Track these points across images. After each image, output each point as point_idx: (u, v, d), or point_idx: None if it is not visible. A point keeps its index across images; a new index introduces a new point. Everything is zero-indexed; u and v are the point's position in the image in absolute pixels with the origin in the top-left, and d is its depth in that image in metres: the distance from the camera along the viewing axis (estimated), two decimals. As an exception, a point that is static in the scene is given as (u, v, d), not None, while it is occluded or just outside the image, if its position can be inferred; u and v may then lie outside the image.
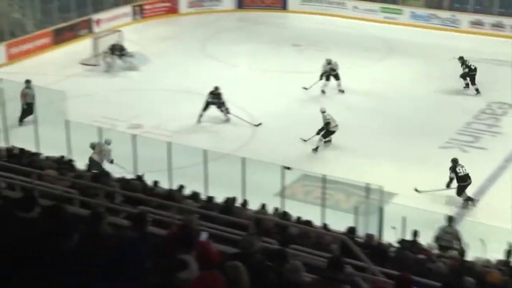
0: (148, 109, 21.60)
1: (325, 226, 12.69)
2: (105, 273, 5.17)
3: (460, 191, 16.50)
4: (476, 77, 22.99)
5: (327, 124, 19.04)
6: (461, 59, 23.32)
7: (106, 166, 16.47)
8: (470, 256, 12.65)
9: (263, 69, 25.29)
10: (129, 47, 26.19)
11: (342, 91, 23.05)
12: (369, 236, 11.96)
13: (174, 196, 12.11)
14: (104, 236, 6.33)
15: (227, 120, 20.80)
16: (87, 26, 28.93)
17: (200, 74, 24.38)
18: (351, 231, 11.99)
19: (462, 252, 13.03)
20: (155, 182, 13.84)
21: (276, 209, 13.52)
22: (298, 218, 12.53)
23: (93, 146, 16.84)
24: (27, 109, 19.69)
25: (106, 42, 25.53)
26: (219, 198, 13.03)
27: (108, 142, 16.92)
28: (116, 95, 23.03)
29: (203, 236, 8.21)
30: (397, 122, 20.90)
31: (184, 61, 25.84)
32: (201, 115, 20.78)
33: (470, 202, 16.42)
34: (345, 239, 9.82)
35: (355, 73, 24.66)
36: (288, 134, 19.90)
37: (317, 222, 13.10)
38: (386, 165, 18.03)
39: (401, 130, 20.27)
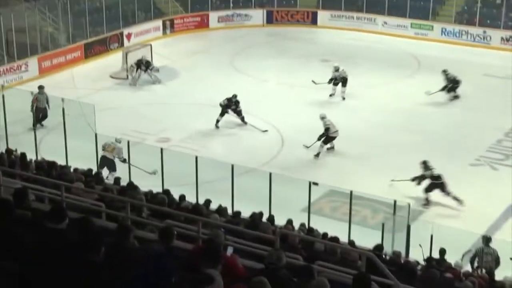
0: (176, 123, 21.73)
1: (351, 243, 12.60)
2: (131, 286, 5.21)
3: (430, 188, 16.94)
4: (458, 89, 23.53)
5: (326, 129, 19.34)
6: (444, 72, 23.55)
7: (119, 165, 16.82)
8: (499, 275, 12.47)
9: (291, 84, 25.31)
10: (158, 61, 26.47)
11: (343, 98, 23.74)
12: (396, 254, 11.85)
13: (200, 210, 12.12)
14: (130, 250, 6.37)
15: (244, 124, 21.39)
16: (118, 40, 29.25)
17: (229, 89, 24.41)
18: (378, 248, 11.88)
19: (490, 272, 12.84)
20: (182, 196, 13.87)
21: (303, 225, 13.47)
22: (324, 234, 12.46)
23: (104, 147, 17.63)
24: (40, 114, 20.59)
25: (136, 56, 25.79)
26: (246, 213, 13.02)
27: (118, 141, 17.70)
28: (145, 108, 23.21)
29: (229, 251, 8.22)
30: (427, 138, 20.74)
31: (213, 75, 25.97)
32: (218, 120, 21.27)
33: (427, 203, 16.85)
34: (371, 256, 9.73)
35: (384, 88, 24.59)
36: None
37: (344, 238, 13.03)
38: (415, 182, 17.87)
39: (431, 146, 20.10)
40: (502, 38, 29.64)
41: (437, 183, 17.00)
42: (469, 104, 23.46)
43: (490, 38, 29.82)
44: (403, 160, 19.18)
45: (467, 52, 29.25)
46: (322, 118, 19.62)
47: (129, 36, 29.74)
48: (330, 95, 23.87)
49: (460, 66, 27.34)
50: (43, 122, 20.68)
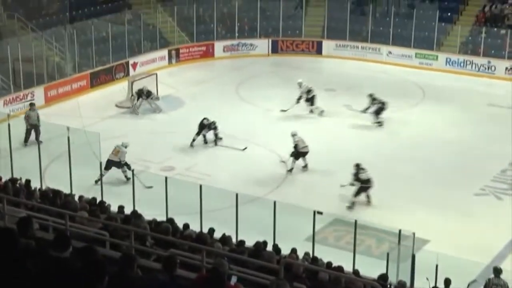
0: (181, 151, 21.79)
1: (356, 272, 12.55)
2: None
3: (359, 192, 18.27)
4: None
5: (295, 146, 20.39)
6: (371, 96, 23.97)
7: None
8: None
9: (296, 114, 25.36)
10: (164, 90, 26.64)
11: (311, 111, 25.04)
12: (401, 283, 11.79)
13: (204, 239, 12.11)
14: (134, 279, 6.36)
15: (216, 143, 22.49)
16: (124, 69, 29.45)
17: (233, 118, 24.57)
18: (383, 278, 11.84)
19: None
20: (186, 225, 13.86)
21: (307, 254, 13.43)
22: (329, 264, 12.42)
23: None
24: (30, 130, 21.93)
25: (141, 85, 25.94)
26: (250, 242, 12.99)
27: (125, 145, 19.47)
28: (150, 137, 23.29)
29: (233, 280, 8.20)
30: (431, 167, 20.73)
31: (218, 105, 26.05)
32: (194, 139, 22.26)
33: (352, 206, 18.22)
34: (376, 286, 9.69)
35: (389, 118, 24.60)
36: (319, 178, 19.88)
37: (348, 268, 12.98)
38: (419, 211, 17.86)
39: (435, 175, 20.09)
40: (506, 68, 29.72)
41: (366, 187, 18.06)
42: (474, 133, 23.48)
43: (495, 68, 29.91)
44: (409, 189, 19.18)
45: (472, 82, 29.33)
46: (293, 135, 20.69)
47: (134, 65, 29.94)
48: (311, 111, 24.90)
49: (465, 96, 27.49)
50: (40, 138, 21.29)
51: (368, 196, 18.34)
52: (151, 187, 18.01)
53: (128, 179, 18.90)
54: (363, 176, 18.28)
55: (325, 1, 34.00)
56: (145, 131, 23.82)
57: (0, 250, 5.58)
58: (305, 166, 20.53)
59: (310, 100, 25.15)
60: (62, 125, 19.11)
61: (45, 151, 19.22)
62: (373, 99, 24.00)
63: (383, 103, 23.94)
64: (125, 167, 19.22)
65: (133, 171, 17.45)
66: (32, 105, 22.87)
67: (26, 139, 21.84)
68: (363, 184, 18.17)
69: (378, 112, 23.91)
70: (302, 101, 25.21)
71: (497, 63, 29.91)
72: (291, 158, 20.41)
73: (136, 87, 25.85)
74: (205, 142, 22.45)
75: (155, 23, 32.14)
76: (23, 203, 12.18)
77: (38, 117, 22.16)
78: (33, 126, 21.98)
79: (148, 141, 22.96)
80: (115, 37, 29.95)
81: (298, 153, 20.41)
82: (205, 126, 22.33)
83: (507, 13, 31.14)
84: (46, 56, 27.39)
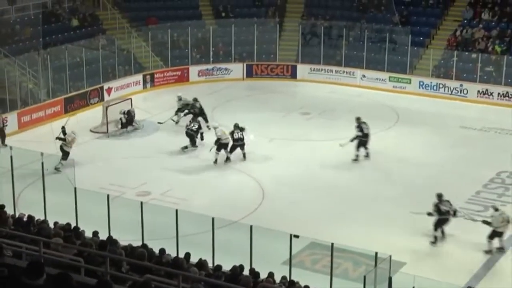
0: (156, 176, 21.68)
1: (333, 296, 12.51)
2: None
3: (359, 145, 22.21)
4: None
5: (218, 139, 22.68)
6: (358, 119, 23.32)
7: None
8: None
9: (270, 137, 25.42)
10: (139, 114, 26.57)
11: (175, 121, 26.42)
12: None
13: (181, 264, 12.01)
14: (109, 305, 6.27)
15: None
16: (98, 94, 29.34)
17: (208, 142, 24.51)
18: (360, 301, 11.80)
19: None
20: (162, 250, 13.75)
21: (284, 278, 13.37)
22: (306, 287, 12.37)
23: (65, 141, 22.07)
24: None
25: (116, 110, 25.85)
26: (227, 266, 12.91)
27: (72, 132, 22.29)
28: (124, 162, 23.17)
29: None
30: (405, 190, 20.83)
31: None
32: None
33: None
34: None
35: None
36: (295, 201, 19.88)
37: (326, 291, 12.94)
38: (395, 233, 17.90)
39: (409, 198, 20.18)
40: (478, 92, 30.07)
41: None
42: (448, 155, 23.67)
43: (467, 91, 30.26)
44: (384, 212, 19.23)
45: (445, 105, 29.63)
46: (215, 128, 23.20)
47: (109, 90, 29.85)
48: (207, 127, 25.34)
49: (438, 119, 27.76)
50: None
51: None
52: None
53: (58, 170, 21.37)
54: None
55: (299, 26, 34.25)
56: (120, 156, 23.69)
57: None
58: (228, 159, 22.71)
59: (195, 114, 25.55)
60: (36, 151, 18.95)
61: (18, 177, 18.99)
62: (359, 123, 23.24)
63: (365, 135, 23.14)
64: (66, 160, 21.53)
65: (108, 196, 17.24)
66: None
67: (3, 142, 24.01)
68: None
69: (359, 145, 23.15)
70: (182, 114, 26.35)
71: (469, 86, 30.26)
72: (214, 150, 22.68)
73: (111, 112, 25.74)
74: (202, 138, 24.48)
75: (129, 48, 32.14)
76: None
77: (3, 121, 24.31)
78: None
79: (123, 166, 22.84)
80: (89, 62, 29.85)
81: (220, 144, 22.58)
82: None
83: (478, 38, 31.59)
84: (19, 81, 27.21)
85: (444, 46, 32.29)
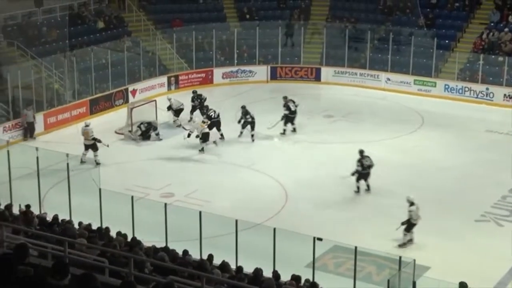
0: (180, 178, 21.75)
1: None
2: None
3: (287, 122, 25.01)
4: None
5: (169, 106, 26.23)
6: (285, 98, 25.90)
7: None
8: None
9: (294, 140, 25.38)
10: (163, 117, 26.67)
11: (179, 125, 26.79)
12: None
13: (204, 266, 12.04)
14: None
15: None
16: (123, 96, 29.51)
17: (233, 144, 24.59)
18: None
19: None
20: (185, 251, 13.80)
21: (307, 281, 13.34)
22: (329, 291, 12.33)
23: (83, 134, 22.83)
24: (28, 128, 25.22)
25: (140, 112, 25.96)
26: (249, 269, 12.92)
27: (87, 124, 23.19)
28: (149, 164, 23.28)
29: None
30: (430, 194, 20.66)
31: (216, 131, 26.01)
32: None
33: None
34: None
35: (387, 144, 24.65)
36: (318, 204, 19.84)
37: (349, 295, 12.89)
38: (420, 237, 17.78)
39: (435, 202, 20.03)
40: (504, 95, 29.78)
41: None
42: (473, 159, 23.46)
43: (493, 94, 29.97)
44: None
45: (470, 109, 29.36)
46: (169, 99, 26.51)
47: (134, 92, 30.01)
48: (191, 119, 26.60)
49: (463, 122, 27.52)
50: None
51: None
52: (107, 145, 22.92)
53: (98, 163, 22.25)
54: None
55: (323, 28, 34.18)
56: (145, 158, 23.81)
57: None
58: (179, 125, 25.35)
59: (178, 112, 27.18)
60: (62, 152, 19.11)
61: (44, 178, 19.17)
62: (286, 102, 25.69)
63: (293, 112, 25.66)
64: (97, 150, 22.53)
65: (132, 197, 17.30)
66: (28, 104, 25.51)
67: (26, 135, 25.22)
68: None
69: (286, 122, 25.61)
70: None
71: (495, 89, 29.97)
72: (173, 116, 25.73)
73: (136, 113, 25.84)
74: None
75: (154, 50, 32.26)
76: (22, 230, 12.12)
77: (34, 115, 25.25)
78: (29, 124, 25.07)
79: (148, 167, 22.94)
80: (114, 64, 30.04)
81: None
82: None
83: (504, 40, 31.30)
84: (46, 83, 27.46)
85: (470, 49, 32.01)
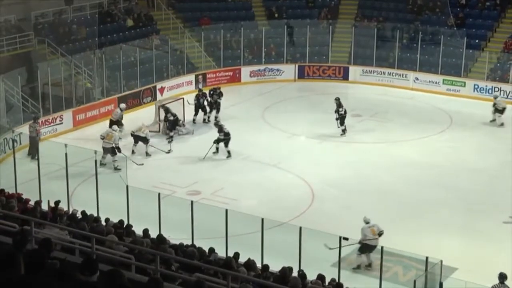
0: (207, 176, 21.83)
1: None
2: None
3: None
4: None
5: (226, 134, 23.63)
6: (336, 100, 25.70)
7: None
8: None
9: (321, 139, 25.35)
10: (191, 114, 26.79)
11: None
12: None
13: (230, 263, 12.08)
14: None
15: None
16: (151, 93, 29.68)
17: (259, 142, 24.60)
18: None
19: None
20: (211, 249, 13.85)
21: (333, 280, 13.32)
22: (355, 291, 12.31)
23: (103, 136, 22.56)
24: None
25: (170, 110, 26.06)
26: (275, 267, 12.93)
27: (115, 130, 22.96)
28: (177, 161, 23.39)
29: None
30: (459, 194, 20.53)
31: (243, 129, 26.05)
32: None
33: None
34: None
35: (416, 144, 24.49)
36: (345, 203, 19.79)
37: (375, 295, 12.85)
38: (447, 238, 17.67)
39: (463, 203, 19.89)
40: (535, 95, 29.45)
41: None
42: (502, 161, 23.21)
43: (523, 94, 29.64)
44: (437, 215, 18.99)
45: (500, 109, 29.00)
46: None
47: (162, 90, 30.17)
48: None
49: (493, 123, 27.20)
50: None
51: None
52: (142, 164, 22.38)
53: (117, 169, 21.56)
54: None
55: (352, 27, 34.05)
56: (172, 155, 23.91)
57: (29, 271, 5.59)
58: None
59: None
60: (90, 149, 19.28)
61: (72, 175, 19.37)
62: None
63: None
64: (116, 155, 21.95)
65: (159, 194, 17.38)
66: (35, 118, 23.84)
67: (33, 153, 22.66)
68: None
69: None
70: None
71: (526, 90, 29.63)
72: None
73: (163, 111, 25.96)
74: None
75: (182, 48, 32.39)
76: (51, 226, 12.24)
77: (38, 131, 23.41)
78: (31, 139, 23.02)
79: (174, 165, 23.05)
80: (143, 62, 30.22)
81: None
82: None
83: (536, 40, 30.94)
84: (75, 80, 27.72)
85: (501, 48, 31.67)
